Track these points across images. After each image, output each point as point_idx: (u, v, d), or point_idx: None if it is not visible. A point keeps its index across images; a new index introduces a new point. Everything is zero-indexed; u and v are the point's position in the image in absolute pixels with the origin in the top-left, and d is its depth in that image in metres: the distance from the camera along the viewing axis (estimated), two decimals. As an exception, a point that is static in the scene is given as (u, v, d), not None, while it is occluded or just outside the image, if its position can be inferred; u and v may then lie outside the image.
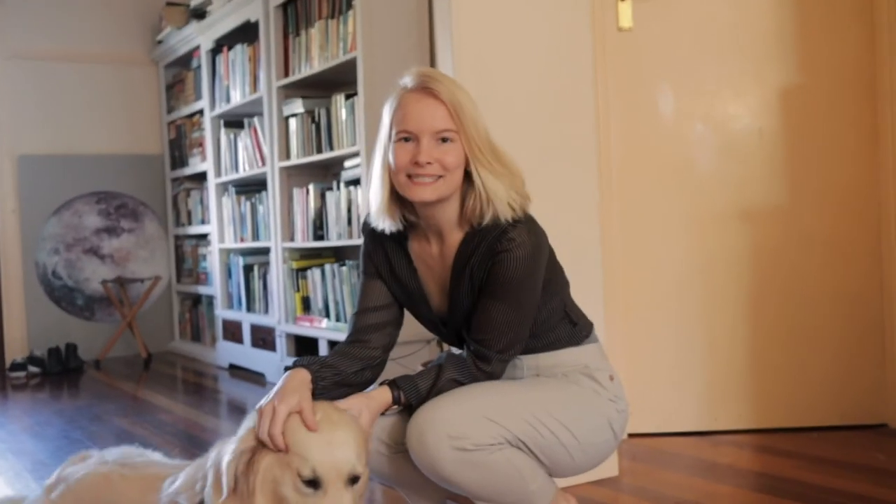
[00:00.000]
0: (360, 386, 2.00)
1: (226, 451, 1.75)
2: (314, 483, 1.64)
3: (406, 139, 1.89)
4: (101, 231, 6.46)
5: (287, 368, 1.89)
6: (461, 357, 1.98)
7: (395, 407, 1.93)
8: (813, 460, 3.00)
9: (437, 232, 1.99)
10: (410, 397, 1.92)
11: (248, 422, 1.78)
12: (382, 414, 1.94)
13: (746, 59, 3.40)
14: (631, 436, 3.36)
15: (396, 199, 1.97)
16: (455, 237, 1.97)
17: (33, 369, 5.72)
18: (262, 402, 1.75)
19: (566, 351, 2.06)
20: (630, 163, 3.42)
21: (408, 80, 1.92)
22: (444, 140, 1.88)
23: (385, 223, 1.98)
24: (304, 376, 1.84)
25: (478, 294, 1.95)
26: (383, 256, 2.07)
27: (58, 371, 5.74)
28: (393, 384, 1.93)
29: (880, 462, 2.96)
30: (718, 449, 3.21)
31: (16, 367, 5.68)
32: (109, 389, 5.09)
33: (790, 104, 3.40)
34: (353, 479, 1.67)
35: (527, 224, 1.93)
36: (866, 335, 3.43)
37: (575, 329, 2.09)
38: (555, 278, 2.03)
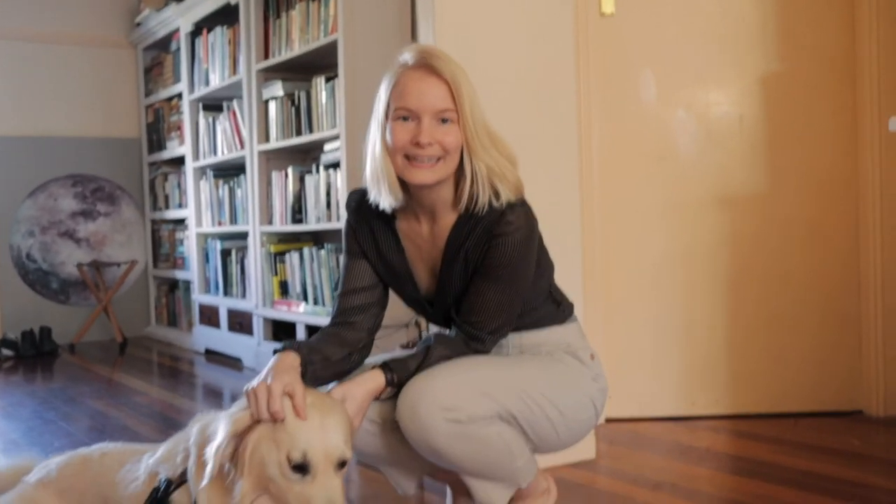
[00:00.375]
0: (348, 371, 1.97)
1: (214, 431, 1.73)
2: (302, 468, 1.62)
3: (405, 118, 1.85)
4: (76, 214, 6.39)
5: (276, 351, 1.86)
6: (450, 336, 1.96)
7: (388, 390, 1.90)
8: (790, 445, 3.02)
9: (429, 212, 1.96)
10: (403, 377, 1.89)
11: (237, 407, 1.75)
12: (377, 399, 1.91)
13: (728, 46, 3.41)
14: (608, 420, 3.36)
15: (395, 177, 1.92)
16: (448, 218, 1.95)
17: (6, 352, 5.65)
18: (253, 383, 1.71)
19: (550, 330, 2.06)
20: (611, 148, 3.42)
21: (408, 57, 1.88)
22: (444, 121, 1.85)
23: (387, 201, 1.93)
24: (293, 360, 1.81)
25: (471, 276, 1.93)
26: (369, 235, 2.03)
27: (31, 354, 5.68)
28: (384, 366, 1.90)
29: (856, 447, 2.98)
30: (696, 433, 3.22)
31: (-12, 349, 5.61)
32: (84, 372, 5.04)
33: (771, 91, 3.41)
34: (341, 465, 1.65)
35: (523, 207, 1.91)
36: (843, 322, 3.45)
37: (559, 309, 2.09)
38: (543, 260, 2.03)
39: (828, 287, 3.44)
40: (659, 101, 3.43)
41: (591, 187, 3.37)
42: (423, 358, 1.91)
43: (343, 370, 1.96)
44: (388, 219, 2.00)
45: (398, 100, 1.86)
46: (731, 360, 3.44)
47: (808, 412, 3.42)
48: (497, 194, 1.88)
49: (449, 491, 2.20)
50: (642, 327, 3.45)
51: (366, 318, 2.02)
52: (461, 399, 1.83)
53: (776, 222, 3.42)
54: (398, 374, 1.90)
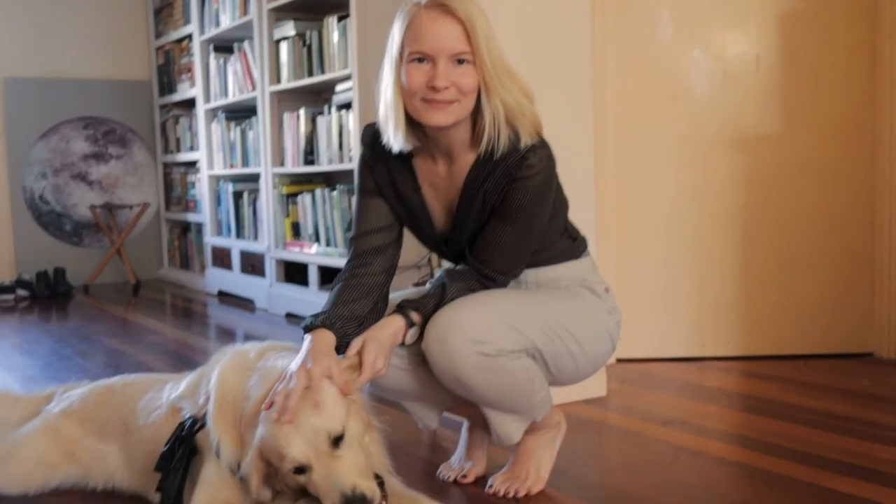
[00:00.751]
0: (377, 320, 1.95)
1: (248, 389, 1.78)
2: (302, 469, 1.64)
3: (420, 60, 1.81)
4: (88, 157, 6.40)
5: (306, 329, 1.84)
6: (462, 271, 1.96)
7: (410, 333, 1.91)
8: (800, 385, 3.03)
9: (446, 153, 1.94)
10: (424, 313, 1.90)
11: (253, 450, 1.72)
12: (402, 344, 1.92)
13: (746, -17, 3.36)
14: (619, 360, 3.38)
15: (408, 120, 1.89)
16: (466, 159, 1.92)
17: (21, 292, 5.71)
18: (295, 364, 1.73)
19: (566, 265, 2.06)
20: (626, 88, 3.39)
21: None
22: (461, 61, 1.81)
23: (399, 143, 1.90)
24: (329, 341, 1.81)
25: (488, 217, 1.92)
26: (386, 173, 2.00)
27: (46, 295, 5.73)
28: (401, 310, 1.90)
29: (866, 387, 2.99)
30: (706, 373, 3.24)
31: (4, 289, 5.66)
32: (98, 312, 5.09)
33: (789, 31, 3.37)
34: (336, 441, 1.65)
35: (544, 149, 1.88)
36: (856, 264, 3.44)
37: (574, 244, 2.09)
38: (558, 197, 2.02)
39: (841, 229, 3.43)
40: (675, 40, 3.39)
41: (604, 126, 3.34)
42: (441, 296, 1.91)
43: (372, 322, 1.94)
44: (405, 157, 1.97)
45: (412, 43, 1.82)
46: (743, 302, 3.44)
47: (820, 354, 3.43)
48: (517, 134, 1.86)
49: (465, 423, 2.22)
50: (654, 268, 3.45)
51: (384, 259, 2.00)
52: (490, 332, 1.83)
53: (790, 163, 3.40)
54: (419, 313, 1.90)
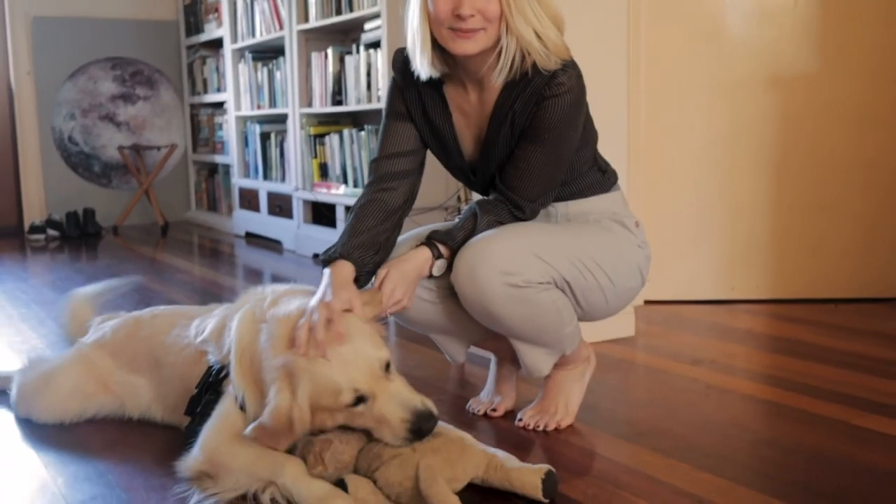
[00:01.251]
0: (391, 249, 1.97)
1: (254, 355, 1.76)
2: (361, 399, 1.64)
3: None
4: (116, 98, 6.40)
5: (326, 262, 1.85)
6: (492, 201, 1.96)
7: (438, 264, 1.91)
8: (828, 327, 3.02)
9: (475, 80, 1.94)
10: (452, 248, 1.90)
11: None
12: (430, 276, 1.92)
13: (785, -82, 3.28)
14: (646, 302, 3.38)
15: (436, 46, 1.89)
16: (496, 85, 1.92)
17: (52, 232, 5.77)
18: (315, 299, 1.73)
19: (596, 198, 2.05)
20: (660, 22, 3.33)
21: None
22: None
23: (427, 71, 1.90)
24: (348, 272, 1.82)
25: (517, 140, 1.92)
26: (417, 98, 2.00)
27: (76, 235, 5.79)
28: (429, 242, 1.91)
29: (895, 330, 2.97)
30: (735, 315, 3.23)
31: (35, 229, 5.72)
32: (128, 252, 5.14)
33: (828, -33, 3.29)
34: (386, 368, 1.67)
35: (575, 70, 1.88)
36: (888, 209, 3.39)
37: (604, 177, 2.08)
38: (588, 128, 2.00)
39: (874, 171, 3.38)
40: (710, -23, 3.32)
41: (637, 62, 3.29)
42: (471, 228, 1.91)
43: (389, 249, 1.96)
44: (435, 83, 1.98)
45: None
46: (773, 245, 3.41)
47: (850, 298, 3.41)
48: (545, 58, 1.84)
49: (493, 357, 2.23)
50: (684, 208, 3.42)
51: (405, 185, 2.00)
52: (519, 264, 1.84)
53: (825, 103, 3.34)
54: (446, 246, 1.90)
